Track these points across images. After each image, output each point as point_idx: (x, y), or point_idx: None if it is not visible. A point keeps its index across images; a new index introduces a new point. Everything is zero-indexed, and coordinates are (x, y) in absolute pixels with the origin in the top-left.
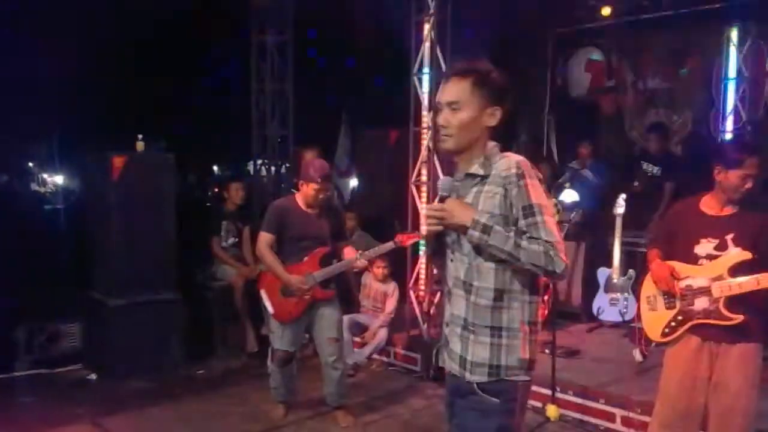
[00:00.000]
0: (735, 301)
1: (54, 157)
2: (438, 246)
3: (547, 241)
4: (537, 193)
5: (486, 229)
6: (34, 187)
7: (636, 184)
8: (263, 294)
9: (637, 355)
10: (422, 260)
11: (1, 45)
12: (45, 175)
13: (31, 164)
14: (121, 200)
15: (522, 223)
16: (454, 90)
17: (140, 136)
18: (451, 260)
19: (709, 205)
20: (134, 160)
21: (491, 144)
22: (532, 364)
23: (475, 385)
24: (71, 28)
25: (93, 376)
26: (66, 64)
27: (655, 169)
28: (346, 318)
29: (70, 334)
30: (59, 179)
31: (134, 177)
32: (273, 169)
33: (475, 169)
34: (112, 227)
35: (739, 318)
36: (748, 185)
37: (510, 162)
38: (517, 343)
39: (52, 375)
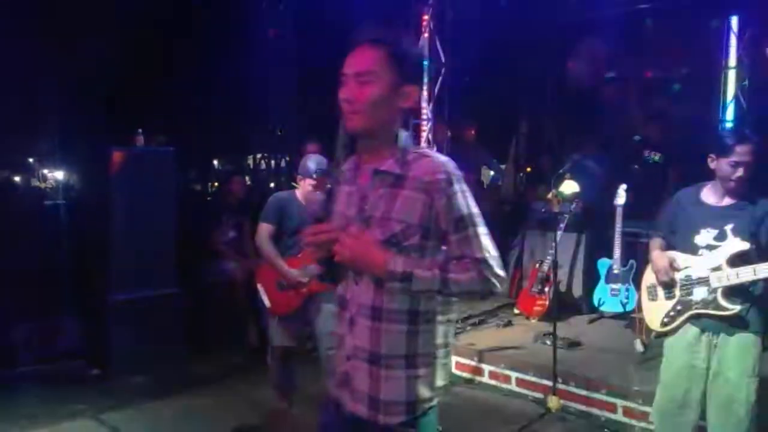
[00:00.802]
0: (733, 292)
1: (54, 152)
2: (335, 269)
3: (480, 259)
4: (468, 202)
5: (406, 278)
6: (34, 182)
7: (636, 167)
8: (260, 288)
9: (638, 346)
10: None
11: (1, 40)
12: (45, 171)
13: (31, 160)
14: (121, 195)
15: (453, 237)
16: (365, 59)
17: (140, 131)
18: (356, 283)
19: (709, 194)
20: (134, 154)
21: (404, 134)
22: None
23: (391, 429)
24: (71, 23)
25: (95, 372)
26: (66, 59)
27: (657, 156)
28: None
29: (71, 330)
30: (59, 175)
31: (134, 172)
32: (273, 162)
33: (390, 165)
34: (112, 222)
35: (736, 308)
36: (739, 173)
37: (435, 164)
38: (432, 371)
39: (54, 370)
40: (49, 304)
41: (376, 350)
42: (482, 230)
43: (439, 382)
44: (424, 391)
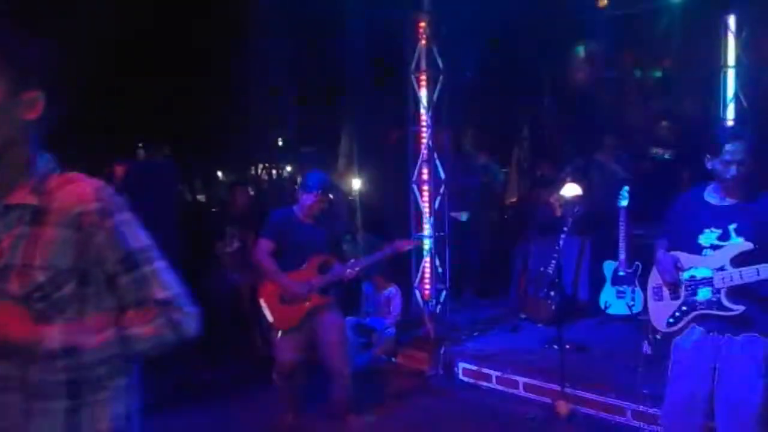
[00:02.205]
0: (737, 292)
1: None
2: None
3: (164, 300)
4: (134, 233)
5: (71, 353)
6: None
7: (652, 153)
8: (262, 302)
9: (646, 347)
10: (426, 259)
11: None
12: None
13: None
14: None
15: (124, 280)
16: None
17: (140, 145)
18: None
19: (713, 194)
20: (136, 167)
21: (45, 156)
22: None
23: None
24: (72, 34)
25: None
26: (68, 71)
27: (667, 154)
28: (348, 320)
29: None
30: None
31: (136, 184)
32: (275, 173)
33: (23, 197)
34: None
35: (740, 309)
36: (733, 171)
37: (85, 191)
38: None
39: None
40: None
41: None
42: (160, 265)
43: None
44: None
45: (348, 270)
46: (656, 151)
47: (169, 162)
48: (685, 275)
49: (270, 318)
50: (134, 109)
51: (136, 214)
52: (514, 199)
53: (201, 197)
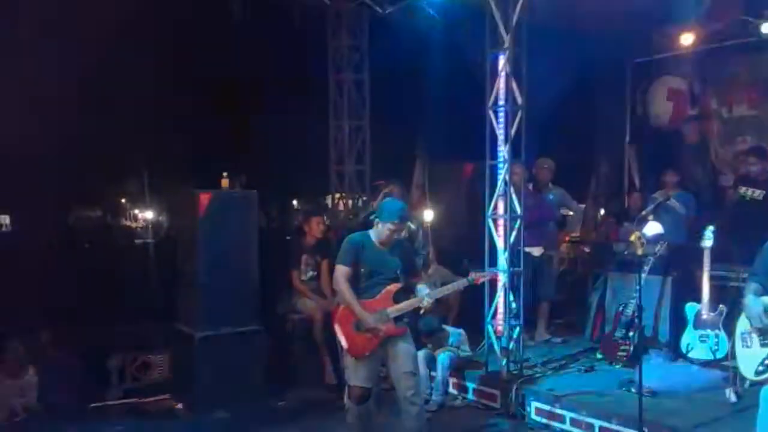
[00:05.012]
0: None
1: (144, 193)
2: None
3: None
4: None
5: None
6: (125, 221)
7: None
8: (337, 328)
9: (731, 396)
10: (499, 294)
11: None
12: (136, 211)
13: (123, 200)
14: (206, 235)
15: None
16: None
17: (225, 174)
18: None
19: None
20: (219, 196)
21: None
22: None
23: None
24: (162, 72)
25: (180, 406)
26: (156, 105)
27: (757, 193)
28: (422, 352)
29: (159, 365)
30: (149, 214)
31: (219, 213)
32: (350, 203)
33: None
34: (198, 261)
35: None
36: None
37: None
38: None
39: (142, 404)
40: (139, 339)
41: None
42: None
43: None
44: None
45: (425, 301)
46: (744, 190)
47: (251, 192)
48: None
49: (344, 344)
50: (218, 142)
51: (218, 242)
52: (576, 234)
53: (276, 225)
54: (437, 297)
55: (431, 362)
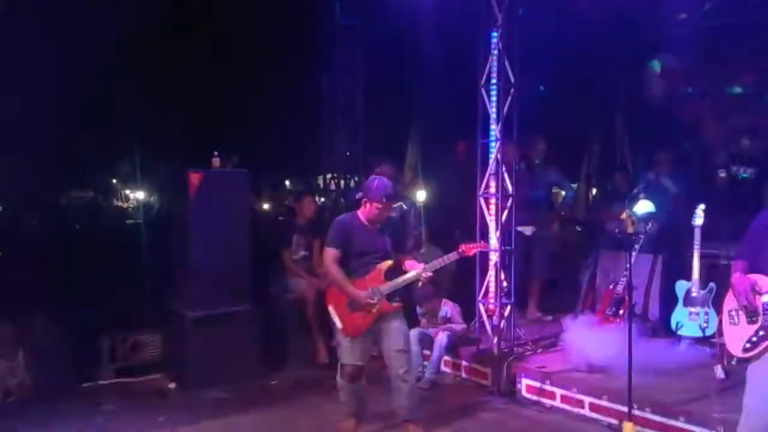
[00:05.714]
0: None
1: (135, 173)
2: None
3: None
4: None
5: None
6: (116, 202)
7: (723, 175)
8: (331, 309)
9: (719, 372)
10: (491, 273)
11: (86, 70)
12: (127, 191)
13: (114, 181)
14: (198, 215)
15: None
16: None
17: (216, 153)
18: None
19: None
20: (210, 176)
21: None
22: None
23: None
24: (152, 53)
25: (172, 386)
26: (146, 85)
27: (748, 172)
28: (414, 331)
29: (150, 345)
30: (140, 195)
31: (210, 192)
32: (342, 183)
33: None
34: (190, 241)
35: None
36: None
37: None
38: None
39: (134, 384)
40: (130, 319)
41: None
42: None
43: None
44: None
45: (424, 272)
46: (735, 169)
47: (242, 171)
48: (764, 299)
49: (339, 324)
50: (210, 119)
51: (210, 222)
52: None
53: (268, 206)
54: (431, 270)
55: (425, 341)
